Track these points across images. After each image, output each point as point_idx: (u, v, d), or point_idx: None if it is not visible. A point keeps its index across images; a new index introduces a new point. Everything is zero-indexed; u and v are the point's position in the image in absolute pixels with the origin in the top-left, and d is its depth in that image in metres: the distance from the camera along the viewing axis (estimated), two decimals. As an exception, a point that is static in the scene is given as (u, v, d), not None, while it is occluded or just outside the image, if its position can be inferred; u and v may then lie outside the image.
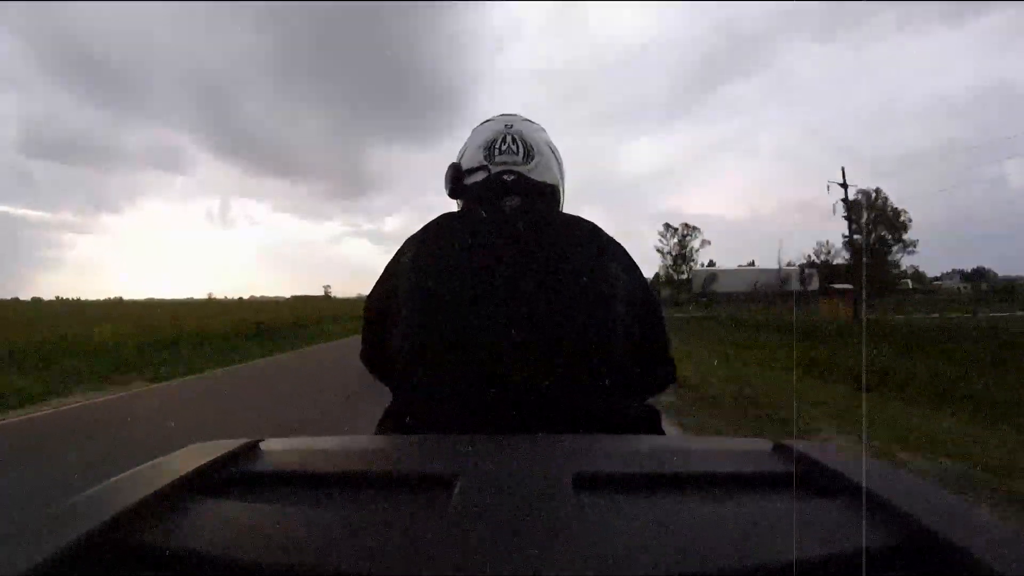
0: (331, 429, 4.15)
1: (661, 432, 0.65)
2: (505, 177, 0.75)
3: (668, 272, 60.27)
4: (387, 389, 0.69)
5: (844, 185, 22.98)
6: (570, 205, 0.89)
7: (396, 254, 0.73)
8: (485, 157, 0.77)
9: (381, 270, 0.75)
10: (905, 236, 43.90)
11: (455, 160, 0.82)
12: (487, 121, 0.83)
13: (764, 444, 0.45)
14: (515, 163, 0.76)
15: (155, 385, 6.84)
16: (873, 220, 42.77)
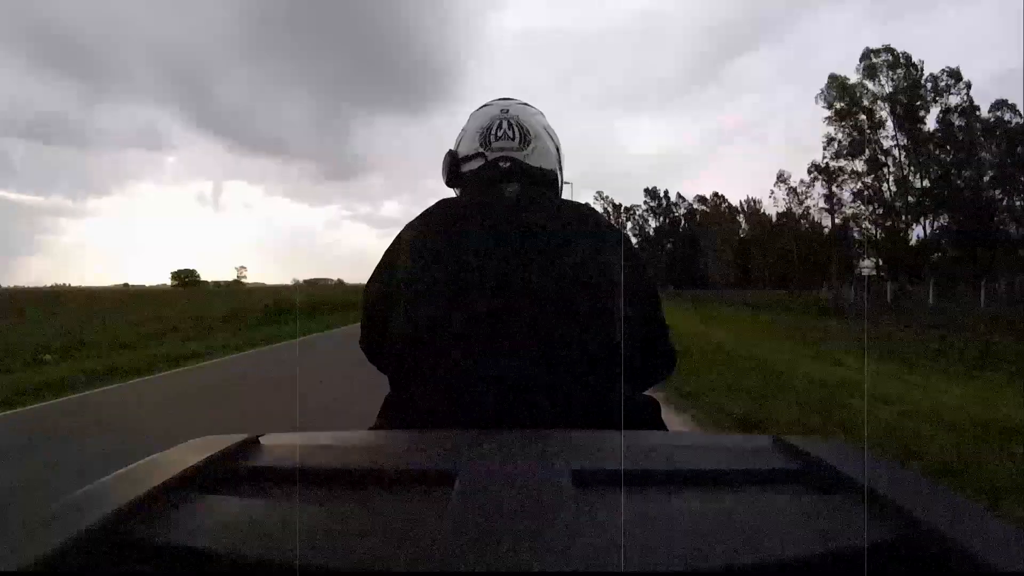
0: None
1: (661, 424, 0.66)
2: (501, 164, 0.74)
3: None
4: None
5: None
6: (570, 185, 0.89)
7: (395, 240, 0.73)
8: (481, 144, 0.76)
9: (372, 256, 0.75)
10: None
11: (452, 147, 0.81)
12: (484, 106, 0.82)
13: (765, 440, 0.45)
14: (511, 148, 0.75)
15: None
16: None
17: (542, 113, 0.84)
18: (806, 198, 43.86)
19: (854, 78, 37.07)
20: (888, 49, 36.08)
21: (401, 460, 0.42)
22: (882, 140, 36.58)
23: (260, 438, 0.45)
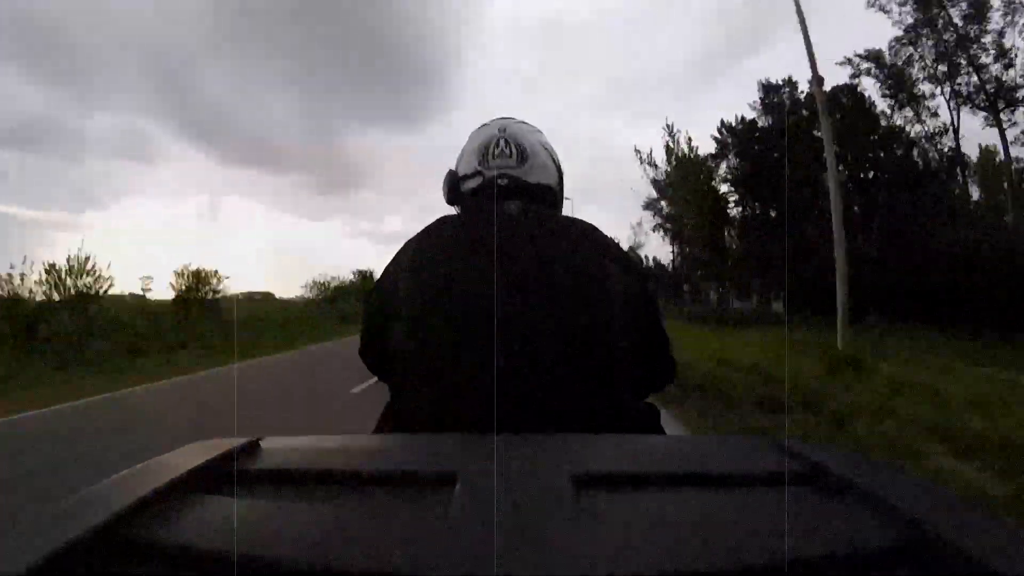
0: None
1: (660, 430, 0.66)
2: (499, 181, 0.76)
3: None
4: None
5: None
6: (571, 202, 0.89)
7: (396, 255, 0.74)
8: (479, 162, 0.78)
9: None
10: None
11: (452, 167, 0.83)
12: (483, 126, 0.84)
13: (766, 443, 0.45)
14: (509, 166, 0.77)
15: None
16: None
17: (540, 131, 0.86)
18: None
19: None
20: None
21: (401, 463, 0.42)
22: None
23: (261, 441, 0.45)
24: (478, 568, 0.26)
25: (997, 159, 23.61)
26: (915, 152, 22.18)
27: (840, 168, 16.88)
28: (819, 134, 15.99)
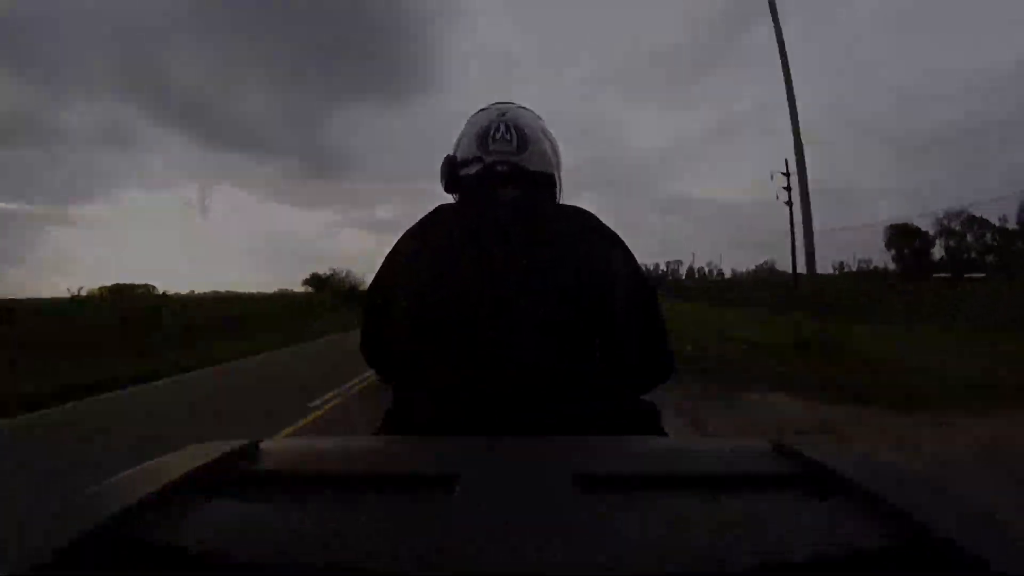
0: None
1: (661, 429, 0.66)
2: (499, 168, 0.74)
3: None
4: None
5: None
6: (567, 187, 0.88)
7: (394, 246, 0.73)
8: (479, 147, 0.76)
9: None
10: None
11: (450, 152, 0.81)
12: (482, 110, 0.82)
13: (764, 445, 0.45)
14: (509, 153, 0.75)
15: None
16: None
17: (540, 116, 0.84)
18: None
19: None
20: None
21: (402, 464, 0.42)
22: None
23: (261, 443, 0.45)
24: (481, 568, 0.26)
25: None
26: None
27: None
28: None
